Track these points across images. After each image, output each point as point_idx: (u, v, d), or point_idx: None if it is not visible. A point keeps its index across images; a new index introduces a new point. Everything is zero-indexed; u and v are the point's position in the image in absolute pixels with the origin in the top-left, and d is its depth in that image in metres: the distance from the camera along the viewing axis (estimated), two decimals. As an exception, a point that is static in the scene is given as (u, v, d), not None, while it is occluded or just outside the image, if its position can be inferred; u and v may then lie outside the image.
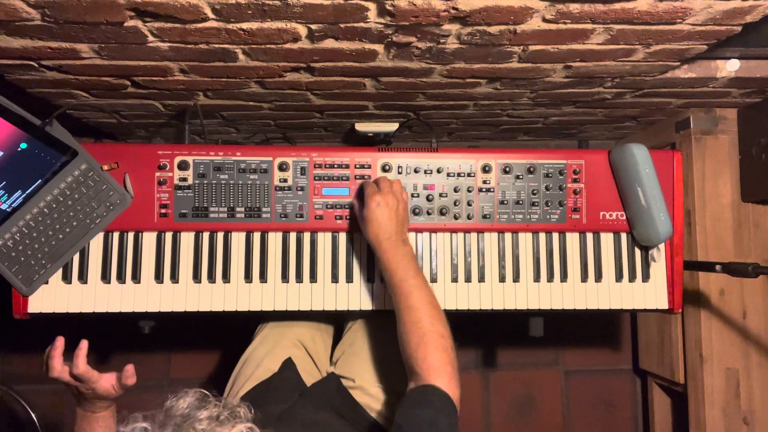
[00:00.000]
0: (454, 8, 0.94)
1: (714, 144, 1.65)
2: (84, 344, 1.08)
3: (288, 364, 1.33)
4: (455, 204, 1.32)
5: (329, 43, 1.10)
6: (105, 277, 1.27)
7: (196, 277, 1.28)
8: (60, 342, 1.07)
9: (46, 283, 1.25)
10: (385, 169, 1.31)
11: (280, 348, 1.37)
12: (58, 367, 1.05)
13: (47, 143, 1.22)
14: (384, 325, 1.39)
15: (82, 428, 1.10)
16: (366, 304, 1.30)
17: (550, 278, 1.33)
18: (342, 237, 1.32)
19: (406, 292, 1.07)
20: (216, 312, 1.28)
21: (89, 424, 1.09)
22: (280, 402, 1.21)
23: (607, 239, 1.36)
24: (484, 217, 1.33)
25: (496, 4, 0.94)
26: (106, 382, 1.07)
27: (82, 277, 1.26)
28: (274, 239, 1.31)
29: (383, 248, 1.12)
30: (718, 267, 1.28)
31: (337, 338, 1.53)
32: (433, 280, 1.31)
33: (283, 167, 1.30)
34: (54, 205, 1.24)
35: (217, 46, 1.09)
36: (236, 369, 1.38)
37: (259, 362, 1.34)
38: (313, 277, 1.30)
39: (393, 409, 1.27)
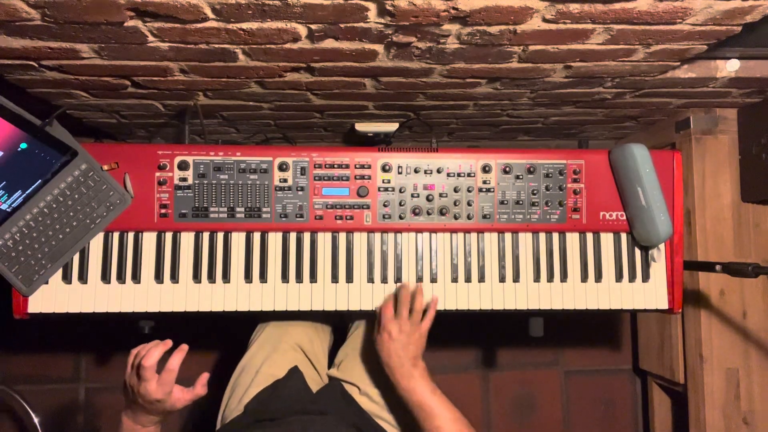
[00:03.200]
0: (454, 8, 0.94)
1: (714, 144, 1.65)
2: (185, 347, 1.05)
3: (294, 372, 1.33)
4: (455, 204, 1.32)
5: (329, 43, 1.10)
6: (105, 277, 1.27)
7: (196, 278, 1.28)
8: (169, 346, 1.04)
9: (46, 283, 1.25)
10: (385, 168, 1.31)
11: (279, 353, 1.36)
12: (156, 356, 1.00)
13: (47, 143, 1.22)
14: None
15: None
16: (366, 304, 1.30)
17: (550, 278, 1.33)
18: (342, 237, 1.32)
19: (427, 413, 1.11)
20: (216, 312, 1.28)
21: None
22: (287, 412, 1.20)
23: (607, 239, 1.36)
24: (484, 217, 1.33)
25: (496, 4, 0.94)
26: (178, 391, 1.03)
27: (82, 277, 1.26)
28: (274, 239, 1.31)
29: (396, 377, 1.15)
30: (718, 267, 1.28)
31: (337, 339, 1.53)
32: (433, 280, 1.31)
33: (283, 167, 1.30)
34: (54, 205, 1.24)
35: (217, 46, 1.09)
36: (233, 377, 1.37)
37: (257, 369, 1.33)
38: (313, 278, 1.30)
39: (399, 417, 1.28)
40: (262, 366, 1.33)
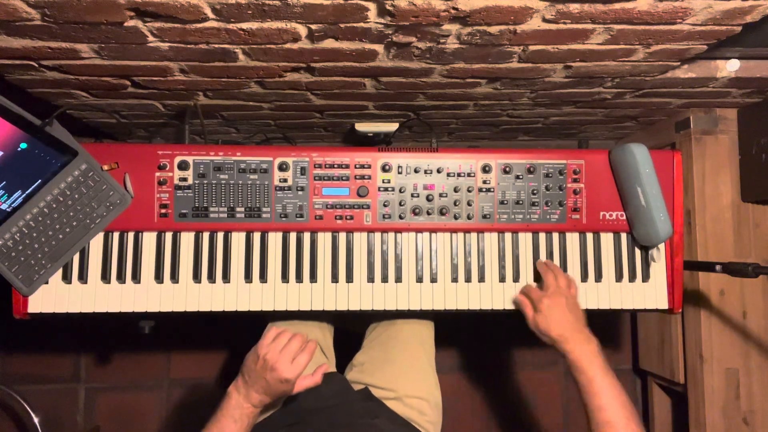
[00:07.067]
0: (454, 8, 0.94)
1: (714, 144, 1.65)
2: (315, 342, 1.11)
3: (334, 374, 1.33)
4: (455, 204, 1.32)
5: (329, 43, 1.10)
6: (105, 277, 1.27)
7: (196, 277, 1.28)
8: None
9: (46, 283, 1.25)
10: (385, 168, 1.32)
11: None
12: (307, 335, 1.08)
13: (47, 143, 1.22)
14: (417, 332, 1.40)
15: (232, 416, 1.05)
16: (366, 304, 1.30)
17: (550, 278, 1.33)
18: (342, 237, 1.32)
19: (594, 391, 1.07)
20: (216, 312, 1.28)
21: (241, 416, 1.04)
22: (344, 414, 1.21)
23: (607, 239, 1.36)
24: (484, 217, 1.33)
25: (496, 4, 0.94)
26: (302, 379, 1.08)
27: (82, 277, 1.26)
28: (274, 239, 1.31)
29: (568, 348, 1.13)
30: (718, 267, 1.28)
31: (337, 340, 1.53)
32: (433, 280, 1.31)
33: (283, 167, 1.30)
34: (54, 205, 1.24)
35: (217, 46, 1.09)
36: None
37: None
38: (313, 277, 1.30)
39: (433, 419, 1.28)
40: None
